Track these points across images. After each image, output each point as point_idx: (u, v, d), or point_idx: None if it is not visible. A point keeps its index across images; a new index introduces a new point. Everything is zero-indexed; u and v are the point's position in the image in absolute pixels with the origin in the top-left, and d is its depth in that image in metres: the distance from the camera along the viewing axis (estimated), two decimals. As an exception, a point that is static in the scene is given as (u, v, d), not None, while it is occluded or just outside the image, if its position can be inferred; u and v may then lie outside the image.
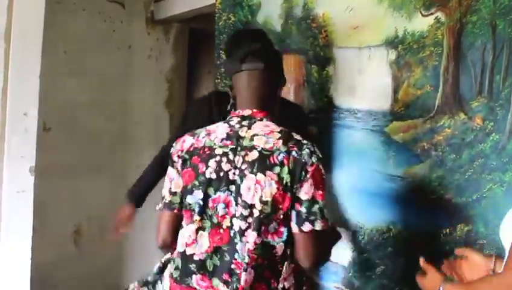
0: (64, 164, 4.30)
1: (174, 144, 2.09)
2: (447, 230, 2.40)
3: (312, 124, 2.92)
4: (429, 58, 2.47)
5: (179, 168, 2.03)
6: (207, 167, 1.96)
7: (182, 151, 2.03)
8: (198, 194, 1.96)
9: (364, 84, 2.78)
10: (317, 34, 3.03)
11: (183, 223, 2.02)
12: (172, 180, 2.04)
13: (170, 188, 2.05)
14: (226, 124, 2.04)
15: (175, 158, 2.05)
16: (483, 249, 2.25)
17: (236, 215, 1.92)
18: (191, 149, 2.02)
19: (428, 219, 2.47)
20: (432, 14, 2.47)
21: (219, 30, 3.79)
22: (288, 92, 3.15)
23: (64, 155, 4.30)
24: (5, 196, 3.94)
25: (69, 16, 4.36)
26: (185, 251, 2.00)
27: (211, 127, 2.07)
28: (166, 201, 2.05)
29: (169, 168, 2.07)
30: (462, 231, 2.34)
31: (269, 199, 1.87)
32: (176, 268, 2.03)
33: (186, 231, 2.00)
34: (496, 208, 2.22)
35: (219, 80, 3.79)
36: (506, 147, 2.18)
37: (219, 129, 2.03)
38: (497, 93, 2.22)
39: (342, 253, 2.73)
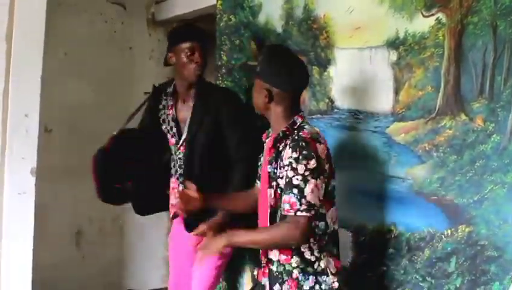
0: (66, 166, 4.31)
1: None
2: (449, 231, 2.40)
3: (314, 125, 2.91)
4: (430, 59, 2.47)
5: None
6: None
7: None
8: None
9: (366, 85, 2.78)
10: (318, 35, 3.03)
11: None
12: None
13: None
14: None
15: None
16: (485, 250, 2.25)
17: None
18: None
19: (429, 220, 2.47)
20: (433, 15, 2.47)
21: (220, 31, 3.79)
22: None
23: (66, 157, 4.30)
24: (6, 197, 3.94)
25: (70, 18, 4.37)
26: None
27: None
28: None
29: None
30: (464, 232, 2.34)
31: None
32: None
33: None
34: (497, 209, 2.22)
35: (220, 81, 3.79)
36: (507, 148, 2.18)
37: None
38: (498, 94, 2.21)
39: (343, 253, 2.72)
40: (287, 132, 2.35)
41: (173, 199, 3.26)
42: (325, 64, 2.97)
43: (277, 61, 2.39)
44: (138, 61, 4.79)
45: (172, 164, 3.29)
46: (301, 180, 2.20)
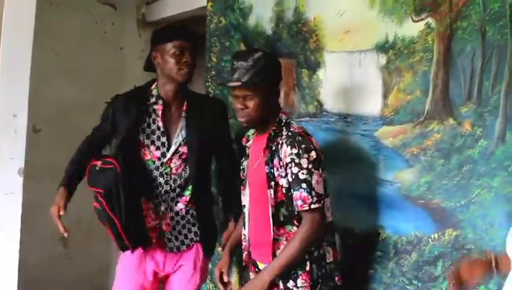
0: (54, 165, 4.26)
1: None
2: (436, 235, 2.41)
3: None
4: (419, 64, 2.48)
5: None
6: None
7: None
8: None
9: (355, 89, 2.79)
10: (308, 38, 3.04)
11: None
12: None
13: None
14: None
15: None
16: (471, 254, 2.26)
17: None
18: None
19: (417, 224, 2.48)
20: (422, 19, 2.48)
21: (210, 33, 3.79)
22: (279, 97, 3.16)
23: (54, 156, 4.26)
24: (-7, 197, 3.93)
25: (61, 17, 4.35)
26: None
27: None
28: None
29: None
30: (451, 235, 2.35)
31: None
32: None
33: None
34: (484, 213, 2.24)
35: (210, 83, 3.79)
36: (494, 153, 2.19)
37: None
38: (486, 99, 2.23)
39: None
40: (277, 130, 2.39)
41: (152, 222, 2.81)
42: (314, 67, 2.97)
43: (276, 63, 2.50)
44: (128, 61, 4.77)
45: (145, 182, 2.79)
46: (307, 174, 2.28)
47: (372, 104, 2.68)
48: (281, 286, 2.37)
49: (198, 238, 2.86)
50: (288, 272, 2.34)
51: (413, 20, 2.51)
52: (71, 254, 4.34)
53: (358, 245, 2.74)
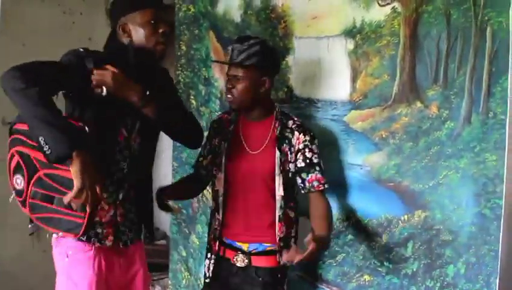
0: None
1: None
2: (405, 217, 2.44)
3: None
4: (386, 48, 2.50)
5: None
6: None
7: None
8: None
9: (324, 74, 2.80)
10: (277, 24, 3.04)
11: None
12: None
13: None
14: None
15: None
16: (440, 234, 2.30)
17: None
18: None
19: (386, 206, 2.51)
20: (388, 4, 2.50)
21: (179, 21, 3.77)
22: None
23: (24, 149, 4.24)
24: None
25: (28, 8, 4.30)
26: None
27: None
28: None
29: None
30: (420, 217, 2.39)
31: None
32: None
33: None
34: (451, 194, 2.28)
35: (180, 71, 3.78)
36: (461, 134, 2.23)
37: None
38: (451, 81, 2.26)
39: (304, 241, 2.75)
40: (283, 119, 2.60)
41: (107, 215, 2.38)
42: (283, 53, 2.98)
43: (272, 52, 2.59)
44: (98, 52, 4.74)
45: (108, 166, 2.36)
46: (317, 158, 2.52)
47: (340, 89, 2.70)
48: (280, 260, 2.51)
49: (143, 224, 2.55)
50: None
51: (380, 5, 2.53)
52: (44, 247, 4.32)
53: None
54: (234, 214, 2.62)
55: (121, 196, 2.39)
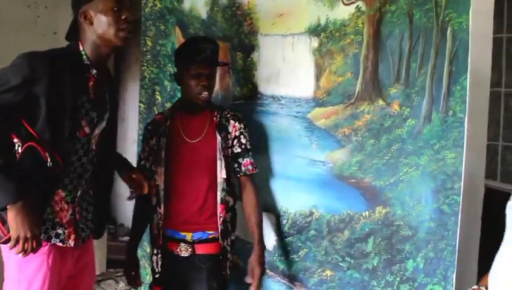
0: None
1: None
2: (367, 212, 2.48)
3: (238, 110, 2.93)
4: (350, 46, 2.54)
5: None
6: None
7: None
8: None
9: (288, 71, 2.83)
10: (242, 21, 3.06)
11: None
12: None
13: None
14: None
15: None
16: (400, 230, 2.34)
17: None
18: None
19: (348, 202, 2.55)
20: (353, 3, 2.53)
21: (145, 16, 3.77)
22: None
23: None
24: None
25: (-10, 2, 4.24)
26: None
27: None
28: None
29: None
30: (381, 213, 2.42)
31: None
32: None
33: None
34: (411, 190, 2.31)
35: (145, 67, 3.77)
36: (421, 132, 2.27)
37: None
38: (413, 80, 2.30)
39: (267, 238, 2.77)
40: (218, 109, 2.79)
41: (67, 215, 2.33)
42: (249, 50, 3.00)
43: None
44: (62, 46, 4.69)
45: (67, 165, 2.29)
46: (250, 144, 2.75)
47: (304, 86, 2.72)
48: (222, 244, 2.71)
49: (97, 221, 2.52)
50: (226, 234, 2.73)
51: (344, 4, 2.56)
52: None
53: (293, 225, 2.79)
54: (177, 204, 2.71)
55: (79, 193, 2.37)
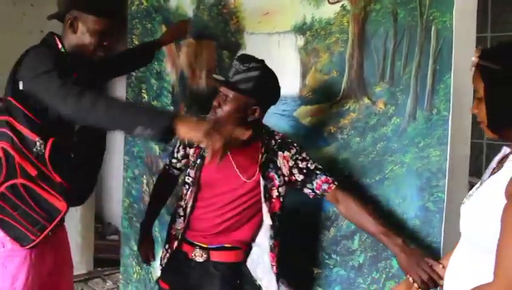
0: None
1: None
2: (353, 210, 2.49)
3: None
4: (335, 45, 2.55)
5: None
6: None
7: None
8: None
9: (274, 70, 2.82)
10: (229, 20, 3.06)
11: None
12: None
13: None
14: None
15: None
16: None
17: None
18: None
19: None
20: (338, 1, 2.55)
21: (131, 15, 3.76)
22: (200, 77, 3.19)
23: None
24: None
25: (-25, -1, 4.23)
26: None
27: None
28: None
29: None
30: (367, 210, 2.44)
31: None
32: None
33: None
34: (397, 188, 2.34)
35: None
36: (406, 130, 2.29)
37: None
38: (398, 79, 2.32)
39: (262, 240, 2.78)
40: (267, 144, 2.45)
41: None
42: (235, 49, 3.00)
43: (271, 80, 2.40)
44: (48, 44, 4.68)
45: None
46: (312, 163, 2.40)
47: (290, 85, 2.73)
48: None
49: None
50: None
51: (330, 2, 2.58)
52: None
53: (283, 225, 2.79)
54: (201, 223, 2.52)
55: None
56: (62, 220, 2.42)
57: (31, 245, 2.27)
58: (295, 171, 2.40)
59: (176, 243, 2.54)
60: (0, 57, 4.30)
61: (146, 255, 2.82)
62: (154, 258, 2.84)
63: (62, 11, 2.40)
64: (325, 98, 2.59)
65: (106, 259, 5.28)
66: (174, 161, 2.68)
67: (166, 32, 3.22)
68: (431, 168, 2.21)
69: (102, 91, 2.25)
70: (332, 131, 2.57)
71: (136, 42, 3.72)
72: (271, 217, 2.41)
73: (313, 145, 2.64)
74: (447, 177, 2.15)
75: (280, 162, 2.41)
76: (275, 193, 2.43)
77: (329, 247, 2.61)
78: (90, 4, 2.33)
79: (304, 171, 2.39)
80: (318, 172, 2.39)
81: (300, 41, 2.70)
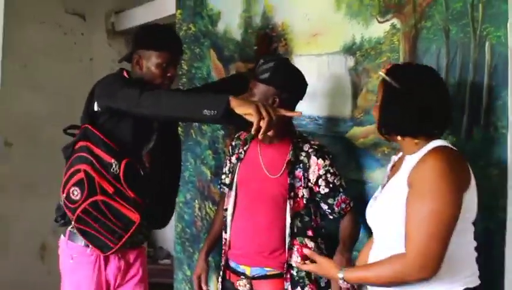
0: (27, 179, 4.26)
1: None
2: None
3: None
4: (386, 64, 2.50)
5: None
6: None
7: None
8: None
9: (324, 91, 2.81)
10: (277, 42, 3.06)
11: None
12: None
13: None
14: None
15: None
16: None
17: None
18: None
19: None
20: (387, 20, 2.52)
21: (180, 40, 3.79)
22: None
23: (27, 170, 4.27)
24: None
25: (29, 29, 4.34)
26: None
27: None
28: None
29: None
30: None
31: None
32: None
33: None
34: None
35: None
36: (464, 149, 2.22)
37: None
38: (452, 96, 2.24)
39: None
40: (298, 143, 2.56)
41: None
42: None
43: (288, 71, 2.54)
44: (98, 72, 4.70)
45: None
46: (340, 179, 2.52)
47: (342, 106, 2.71)
48: (289, 288, 2.46)
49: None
50: (298, 280, 2.46)
51: (379, 22, 2.55)
52: (49, 269, 4.31)
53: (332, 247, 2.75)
54: (239, 234, 2.59)
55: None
56: (141, 239, 2.81)
57: (111, 252, 2.60)
58: (322, 182, 2.49)
59: (223, 267, 2.62)
60: (52, 85, 4.43)
61: (199, 283, 2.84)
62: (207, 285, 2.84)
63: (129, 53, 2.72)
64: (378, 118, 2.54)
65: (159, 284, 5.30)
66: (223, 177, 2.79)
67: None
68: (490, 187, 2.14)
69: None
70: (385, 152, 2.52)
71: (185, 67, 3.75)
72: (293, 216, 2.47)
73: (367, 167, 2.60)
74: (508, 197, 2.08)
75: (312, 166, 2.50)
76: (300, 193, 2.49)
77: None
78: (151, 41, 2.61)
79: (331, 185, 2.49)
80: (341, 189, 2.51)
81: (350, 61, 2.67)
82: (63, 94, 4.44)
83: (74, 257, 2.67)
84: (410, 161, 1.96)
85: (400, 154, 2.14)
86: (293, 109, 2.51)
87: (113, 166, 2.52)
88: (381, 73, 2.04)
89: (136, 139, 2.65)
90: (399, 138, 2.03)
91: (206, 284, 2.84)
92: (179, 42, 2.73)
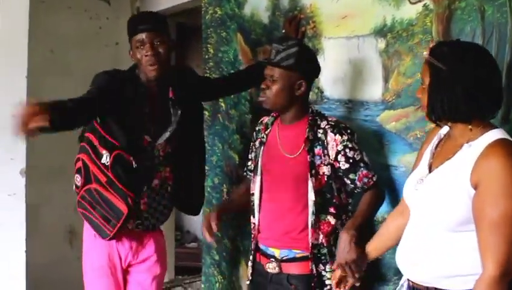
0: (55, 165, 4.28)
1: None
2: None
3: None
4: (419, 46, 2.45)
5: None
6: None
7: None
8: None
9: (355, 74, 2.77)
10: (306, 25, 3.01)
11: None
12: None
13: None
14: None
15: None
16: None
17: None
18: None
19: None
20: (420, 1, 2.45)
21: (206, 24, 3.77)
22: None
23: (54, 156, 4.27)
24: (-4, 199, 3.93)
25: (55, 15, 4.34)
26: None
27: None
28: None
29: None
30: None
31: None
32: None
33: None
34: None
35: (208, 74, 3.77)
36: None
37: None
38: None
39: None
40: (314, 121, 2.55)
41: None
42: (313, 54, 2.94)
43: (310, 54, 2.58)
44: (124, 56, 4.69)
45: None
46: (360, 154, 2.48)
47: (372, 89, 2.66)
48: (313, 268, 2.47)
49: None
50: (319, 257, 2.48)
51: (411, 2, 2.49)
52: (78, 253, 4.34)
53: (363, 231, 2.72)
54: (266, 218, 2.61)
55: (145, 188, 2.80)
56: (153, 223, 2.91)
57: (109, 238, 2.74)
58: (341, 158, 2.47)
59: (253, 251, 2.65)
60: (79, 69, 4.43)
61: (210, 227, 2.75)
62: (213, 236, 2.85)
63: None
64: (410, 102, 2.49)
65: (186, 267, 5.33)
66: (249, 163, 2.81)
67: None
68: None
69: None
70: (418, 136, 2.47)
71: (211, 51, 3.73)
72: (316, 192, 2.46)
73: (398, 151, 2.56)
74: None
75: (330, 142, 2.48)
76: (321, 170, 2.49)
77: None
78: (128, 31, 2.74)
79: (351, 161, 2.46)
80: (362, 164, 2.47)
81: (381, 44, 2.62)
82: (89, 79, 4.41)
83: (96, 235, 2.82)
84: (469, 152, 1.82)
85: (446, 129, 2.02)
86: (310, 90, 2.61)
87: (104, 157, 2.68)
88: (426, 54, 1.92)
89: (132, 133, 2.74)
90: (450, 123, 1.92)
91: (217, 225, 2.76)
92: (149, 21, 2.71)
